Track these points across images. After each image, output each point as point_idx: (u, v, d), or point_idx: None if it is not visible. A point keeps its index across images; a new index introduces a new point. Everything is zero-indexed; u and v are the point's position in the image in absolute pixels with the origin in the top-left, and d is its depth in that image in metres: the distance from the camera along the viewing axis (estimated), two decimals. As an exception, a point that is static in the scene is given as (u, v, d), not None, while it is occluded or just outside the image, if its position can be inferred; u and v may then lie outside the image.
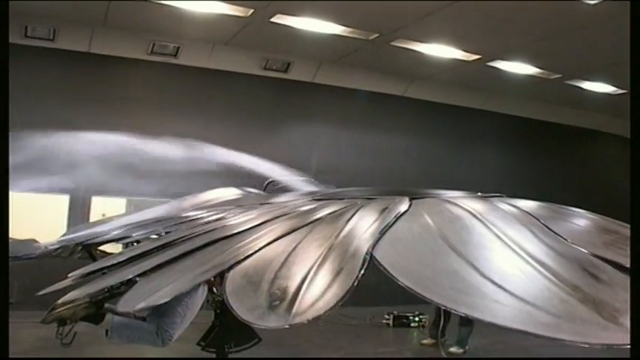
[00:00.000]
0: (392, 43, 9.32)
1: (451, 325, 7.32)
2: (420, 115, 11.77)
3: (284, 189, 5.03)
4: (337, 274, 1.31)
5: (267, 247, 1.57)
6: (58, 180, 8.85)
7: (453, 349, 7.06)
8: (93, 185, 9.16)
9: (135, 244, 4.43)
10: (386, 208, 1.83)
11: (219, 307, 4.52)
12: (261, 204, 2.90)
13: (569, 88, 11.41)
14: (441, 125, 12.02)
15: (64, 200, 9.20)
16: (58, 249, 4.07)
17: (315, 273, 1.32)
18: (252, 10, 8.16)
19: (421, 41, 9.24)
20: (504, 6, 7.70)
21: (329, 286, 1.26)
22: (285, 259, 1.44)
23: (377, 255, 1.36)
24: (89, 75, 9.33)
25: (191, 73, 9.94)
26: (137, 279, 1.74)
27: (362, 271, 1.29)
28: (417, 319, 8.54)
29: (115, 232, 3.46)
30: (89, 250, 4.29)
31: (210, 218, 2.65)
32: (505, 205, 1.93)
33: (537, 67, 10.39)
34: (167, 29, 9.02)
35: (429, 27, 8.57)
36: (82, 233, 4.22)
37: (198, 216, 2.83)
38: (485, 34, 8.90)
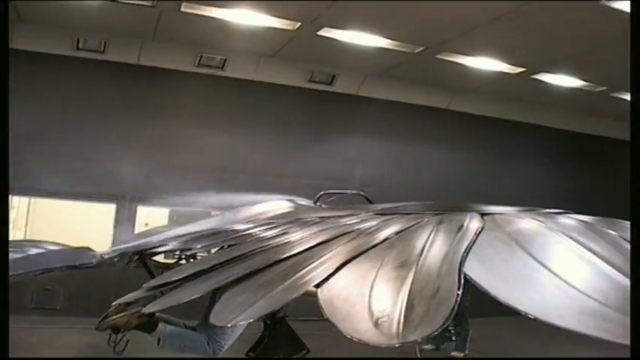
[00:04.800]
0: (437, 56, 9.29)
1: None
2: (464, 128, 11.69)
3: (336, 202, 5.06)
4: (435, 292, 1.31)
5: (351, 264, 1.58)
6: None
7: (453, 354, 7.42)
8: (138, 194, 9.33)
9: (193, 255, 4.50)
10: (462, 225, 1.84)
11: (269, 318, 4.54)
12: (322, 218, 2.90)
13: (615, 101, 11.21)
14: (484, 138, 11.92)
15: (110, 209, 9.37)
16: (114, 258, 4.13)
17: (411, 291, 1.33)
18: (299, 24, 8.23)
19: (466, 54, 9.20)
20: (550, 18, 7.62)
21: (430, 304, 1.26)
22: (375, 277, 1.45)
23: (469, 273, 1.36)
24: (138, 86, 9.52)
25: (237, 85, 10.06)
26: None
27: (461, 290, 1.29)
28: (452, 330, 8.47)
29: (174, 243, 3.49)
30: (144, 259, 4.34)
31: (273, 233, 2.65)
32: (576, 220, 1.92)
33: (583, 79, 10.24)
34: (214, 42, 9.16)
35: (475, 40, 8.52)
36: (138, 242, 4.28)
37: (261, 230, 2.84)
38: (531, 46, 8.81)
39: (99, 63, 9.19)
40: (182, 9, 7.87)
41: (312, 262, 1.69)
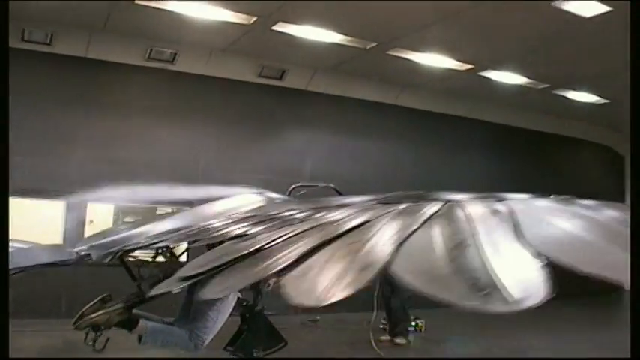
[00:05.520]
0: (388, 52, 9.43)
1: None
2: (412, 122, 11.96)
3: (307, 195, 5.08)
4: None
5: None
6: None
7: (398, 340, 7.92)
8: (87, 191, 9.08)
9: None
10: (455, 211, 1.95)
11: (248, 311, 4.54)
12: (316, 209, 2.89)
13: (556, 98, 11.69)
14: (432, 133, 12.24)
15: (59, 206, 9.10)
16: (91, 255, 4.02)
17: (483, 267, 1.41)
18: (254, 18, 8.20)
19: (418, 51, 9.39)
20: (498, 19, 7.92)
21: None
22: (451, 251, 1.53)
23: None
24: (86, 80, 9.26)
25: (188, 79, 9.94)
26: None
27: None
28: (413, 323, 8.62)
29: (167, 239, 3.43)
30: (121, 256, 4.25)
31: (274, 225, 2.63)
32: (543, 201, 2.11)
33: (527, 76, 10.63)
34: (165, 35, 9.02)
35: (427, 37, 8.71)
36: (114, 238, 4.16)
37: (265, 223, 2.79)
38: (480, 44, 9.09)
39: (45, 55, 8.90)
40: (136, 0, 7.71)
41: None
